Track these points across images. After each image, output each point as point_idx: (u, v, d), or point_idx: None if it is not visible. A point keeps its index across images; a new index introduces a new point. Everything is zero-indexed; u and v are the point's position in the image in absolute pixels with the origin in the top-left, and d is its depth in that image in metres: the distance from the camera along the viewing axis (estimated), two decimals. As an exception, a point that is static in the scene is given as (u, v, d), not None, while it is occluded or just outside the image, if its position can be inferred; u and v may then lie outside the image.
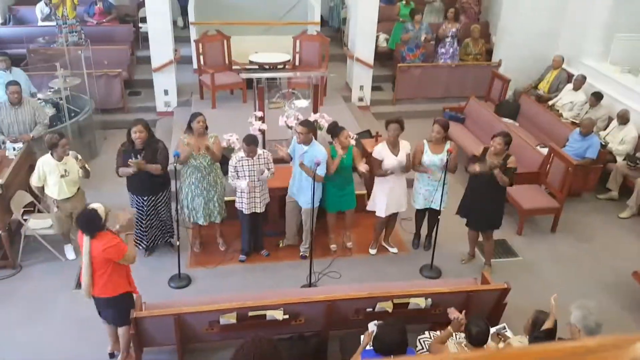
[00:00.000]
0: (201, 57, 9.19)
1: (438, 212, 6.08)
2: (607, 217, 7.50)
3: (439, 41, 10.40)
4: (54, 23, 9.91)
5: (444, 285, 5.20)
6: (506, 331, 4.60)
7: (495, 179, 5.60)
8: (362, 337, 4.25)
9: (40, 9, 10.86)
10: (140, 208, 5.96)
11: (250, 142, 5.69)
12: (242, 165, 5.76)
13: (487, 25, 11.89)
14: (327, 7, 12.96)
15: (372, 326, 4.22)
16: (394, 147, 5.96)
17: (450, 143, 6.01)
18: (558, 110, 8.98)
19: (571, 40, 9.74)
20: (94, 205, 4.40)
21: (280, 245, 6.43)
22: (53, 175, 5.72)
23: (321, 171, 5.65)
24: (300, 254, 6.35)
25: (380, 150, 5.97)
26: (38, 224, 6.17)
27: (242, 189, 5.83)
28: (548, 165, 7.21)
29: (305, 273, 5.92)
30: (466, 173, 6.05)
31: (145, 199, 5.93)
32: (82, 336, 5.18)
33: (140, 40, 11.49)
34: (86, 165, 5.92)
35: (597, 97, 8.43)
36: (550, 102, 9.27)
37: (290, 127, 6.76)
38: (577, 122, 8.39)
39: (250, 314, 4.62)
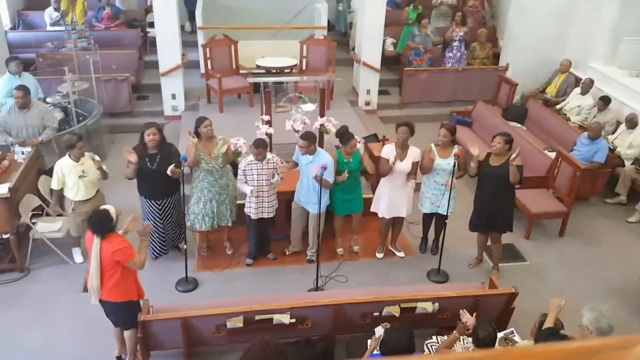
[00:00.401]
0: (208, 62, 9.24)
1: (445, 217, 6.07)
2: (616, 222, 7.46)
3: (446, 45, 10.39)
4: (62, 28, 9.99)
5: (452, 289, 5.18)
6: (514, 336, 4.58)
7: (504, 182, 5.57)
8: (369, 341, 4.24)
9: (49, 14, 10.94)
10: (153, 211, 5.97)
11: (260, 145, 5.70)
12: (251, 169, 5.78)
13: (494, 29, 11.88)
14: (334, 12, 12.99)
15: (380, 330, 4.21)
16: (403, 150, 5.95)
17: (457, 147, 6.00)
18: (566, 114, 8.95)
19: (579, 44, 9.71)
20: (106, 207, 4.44)
21: (287, 253, 6.41)
22: (71, 177, 5.76)
23: (329, 177, 5.66)
24: (307, 257, 6.35)
25: (389, 152, 5.96)
26: (46, 228, 6.20)
27: (247, 195, 5.84)
28: (556, 170, 7.19)
29: (312, 277, 5.92)
30: (474, 177, 6.02)
31: (158, 202, 5.94)
32: (89, 339, 5.19)
33: (148, 44, 11.56)
34: (103, 167, 5.93)
35: (605, 101, 8.39)
36: (557, 106, 9.24)
37: (297, 131, 6.77)
38: (584, 126, 8.36)
39: (257, 317, 4.62)
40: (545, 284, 6.19)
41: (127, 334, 4.78)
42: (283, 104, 7.63)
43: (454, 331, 4.22)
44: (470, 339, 4.20)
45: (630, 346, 0.83)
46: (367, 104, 9.89)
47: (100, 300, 4.53)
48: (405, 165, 5.94)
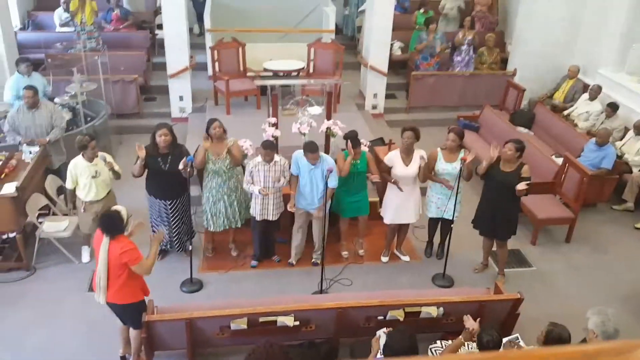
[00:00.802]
0: (216, 64, 9.27)
1: (451, 222, 6.06)
2: (623, 228, 7.42)
3: (454, 49, 10.39)
4: (72, 29, 10.06)
5: (456, 294, 5.17)
6: (519, 341, 4.55)
7: (510, 188, 5.55)
8: (372, 341, 4.23)
9: (59, 15, 11.01)
10: (160, 211, 6.01)
11: (268, 146, 5.75)
12: (258, 171, 5.80)
13: (503, 34, 11.86)
14: (341, 15, 13.01)
15: (382, 334, 4.20)
16: (407, 155, 5.95)
17: (464, 151, 5.98)
18: (573, 120, 8.92)
19: (587, 50, 9.68)
20: (117, 208, 4.46)
21: (294, 263, 6.37)
22: (84, 177, 5.80)
23: (333, 183, 5.69)
24: (312, 260, 6.35)
25: (392, 158, 5.95)
26: (53, 227, 6.23)
27: (255, 195, 5.86)
28: (563, 175, 7.16)
29: (316, 279, 5.92)
30: (480, 181, 6.01)
31: (166, 202, 5.97)
32: (93, 339, 5.21)
33: (157, 46, 11.61)
34: (115, 167, 5.96)
35: (613, 107, 8.36)
36: (565, 112, 9.20)
37: (304, 134, 6.78)
38: (592, 132, 8.32)
39: (261, 319, 4.62)
40: (551, 290, 6.16)
41: (133, 333, 4.80)
42: (290, 106, 7.63)
43: (460, 336, 4.20)
44: (474, 344, 4.18)
45: (628, 351, 0.82)
46: (374, 107, 9.89)
47: (107, 302, 4.54)
48: (411, 170, 5.93)
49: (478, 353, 3.85)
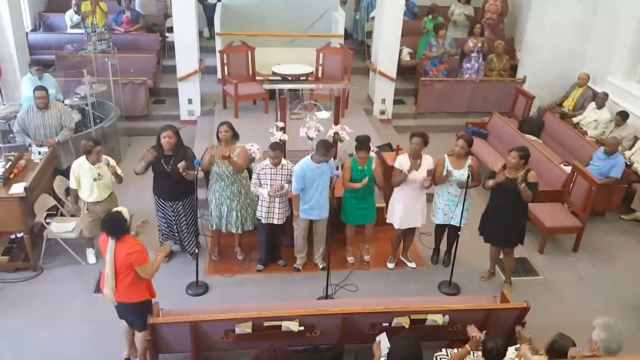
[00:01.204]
0: (225, 68, 9.30)
1: (458, 228, 6.03)
2: (631, 238, 7.36)
3: (464, 56, 10.37)
4: (82, 30, 10.12)
5: (463, 302, 5.14)
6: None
7: (517, 195, 5.53)
8: (373, 346, 4.22)
9: (70, 17, 11.09)
10: (166, 212, 6.04)
11: (276, 147, 5.78)
12: (265, 174, 5.81)
13: (512, 42, 11.84)
14: (351, 21, 13.02)
15: (382, 338, 4.18)
16: (416, 160, 5.94)
17: (471, 158, 5.97)
18: (582, 128, 8.87)
19: (597, 58, 9.64)
20: (119, 209, 4.47)
21: (300, 268, 6.37)
22: (86, 178, 5.84)
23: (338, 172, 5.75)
24: (316, 262, 6.34)
25: (402, 162, 5.95)
26: (60, 228, 6.26)
27: (263, 197, 5.87)
28: (571, 184, 7.12)
29: (321, 285, 5.90)
30: (487, 189, 5.98)
31: (171, 203, 6.00)
32: (99, 340, 5.22)
33: (167, 49, 11.66)
34: (118, 171, 5.98)
35: (622, 116, 8.31)
36: (574, 120, 9.16)
37: (311, 139, 6.77)
38: (601, 140, 8.27)
39: (266, 324, 4.61)
40: (558, 300, 6.12)
41: (138, 335, 4.80)
42: (298, 111, 7.65)
43: (467, 345, 4.18)
44: (480, 353, 4.15)
45: None
46: (382, 113, 9.89)
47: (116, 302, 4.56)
48: (419, 175, 5.92)
49: None
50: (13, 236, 6.37)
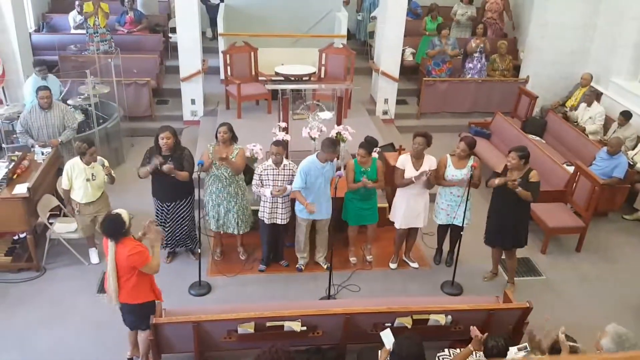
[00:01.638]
0: (228, 68, 9.31)
1: (460, 228, 6.03)
2: (634, 238, 7.35)
3: (466, 56, 10.36)
4: (85, 31, 10.14)
5: (465, 302, 5.13)
6: (527, 350, 4.51)
7: (518, 196, 5.53)
8: (380, 352, 4.22)
9: (73, 17, 11.13)
10: (163, 214, 6.04)
11: (279, 143, 5.81)
12: (267, 175, 5.82)
13: (515, 42, 11.82)
14: (354, 21, 13.02)
15: (389, 341, 4.17)
16: (418, 159, 5.94)
17: (474, 158, 5.96)
18: (579, 125, 8.87)
19: (600, 58, 9.62)
20: (118, 211, 4.46)
21: (302, 269, 6.37)
22: (79, 179, 5.85)
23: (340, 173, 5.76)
24: (319, 263, 6.35)
25: (404, 161, 5.96)
26: (63, 228, 6.28)
27: (266, 197, 5.87)
28: (574, 184, 7.11)
29: (324, 285, 5.91)
30: (489, 189, 5.98)
31: (168, 205, 6.01)
32: (101, 340, 5.23)
33: (170, 50, 11.69)
34: (112, 173, 6.02)
35: (626, 116, 8.29)
36: (568, 114, 9.17)
37: (314, 139, 6.78)
38: (603, 140, 8.25)
39: (268, 324, 4.62)
40: (561, 300, 6.11)
41: (141, 336, 4.81)
42: (300, 111, 7.65)
43: (469, 345, 4.18)
44: (482, 354, 4.15)
45: None
46: (385, 113, 9.89)
47: (119, 302, 4.57)
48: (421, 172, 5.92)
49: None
50: (16, 236, 6.39)
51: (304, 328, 4.67)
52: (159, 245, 4.73)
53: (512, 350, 4.19)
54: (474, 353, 4.21)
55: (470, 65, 10.26)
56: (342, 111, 7.41)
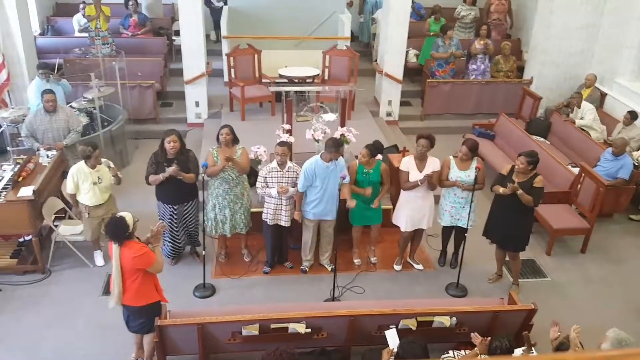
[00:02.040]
0: (232, 70, 9.33)
1: (465, 230, 6.02)
2: (639, 239, 7.31)
3: (470, 57, 10.35)
4: (88, 34, 10.17)
5: (470, 304, 5.12)
6: (532, 352, 4.50)
7: (521, 200, 5.52)
8: (382, 352, 4.21)
9: (78, 20, 11.17)
10: (169, 217, 6.05)
11: (284, 144, 5.83)
12: (272, 177, 5.83)
13: (519, 43, 11.80)
14: (357, 23, 13.03)
15: (394, 342, 4.16)
16: (421, 162, 5.94)
17: (477, 160, 5.95)
18: (575, 122, 8.87)
19: (605, 59, 9.59)
20: (122, 214, 4.48)
21: (307, 271, 6.36)
22: (86, 183, 5.85)
23: (347, 180, 5.77)
24: (323, 264, 6.35)
25: (407, 163, 5.95)
26: (68, 230, 6.30)
27: (272, 197, 5.88)
28: (579, 185, 7.09)
29: (328, 287, 5.91)
30: (492, 192, 5.97)
31: (175, 207, 6.02)
32: (107, 342, 5.25)
33: (174, 52, 11.72)
34: (118, 174, 6.04)
35: (632, 116, 8.26)
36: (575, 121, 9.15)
37: (317, 141, 6.78)
38: (606, 140, 8.23)
39: (273, 326, 4.62)
40: (566, 301, 6.09)
41: (147, 338, 4.83)
42: (304, 113, 7.65)
43: (475, 348, 4.17)
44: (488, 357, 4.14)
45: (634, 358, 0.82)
46: (389, 114, 9.89)
47: (124, 305, 4.58)
48: (425, 173, 5.91)
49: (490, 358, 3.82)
50: (21, 239, 6.42)
51: (309, 330, 4.66)
52: (160, 245, 4.76)
53: (517, 352, 4.18)
54: (480, 355, 4.20)
55: (474, 66, 10.24)
56: (346, 113, 7.42)
